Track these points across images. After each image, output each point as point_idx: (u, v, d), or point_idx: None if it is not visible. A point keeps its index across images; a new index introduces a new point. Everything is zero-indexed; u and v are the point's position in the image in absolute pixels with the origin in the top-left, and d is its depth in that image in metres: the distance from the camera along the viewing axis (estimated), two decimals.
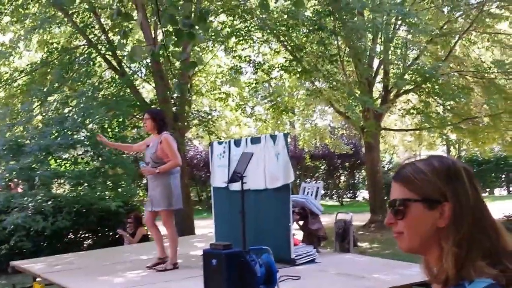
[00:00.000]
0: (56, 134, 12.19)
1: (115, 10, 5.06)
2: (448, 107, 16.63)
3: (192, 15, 5.37)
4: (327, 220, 10.56)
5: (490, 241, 1.42)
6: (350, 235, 8.22)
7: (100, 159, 12.52)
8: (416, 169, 1.51)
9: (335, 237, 8.43)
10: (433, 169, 1.48)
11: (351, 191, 30.34)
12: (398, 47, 16.07)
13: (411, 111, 17.19)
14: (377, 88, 17.45)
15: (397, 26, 15.60)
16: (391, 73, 16.47)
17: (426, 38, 15.41)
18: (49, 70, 15.01)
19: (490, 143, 18.82)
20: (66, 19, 14.68)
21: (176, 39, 5.28)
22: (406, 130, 20.64)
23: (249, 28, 15.89)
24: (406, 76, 15.57)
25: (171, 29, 5.53)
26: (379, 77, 16.67)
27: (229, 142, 8.29)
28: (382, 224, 15.52)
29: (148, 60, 14.52)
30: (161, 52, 7.58)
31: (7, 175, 12.00)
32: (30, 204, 11.24)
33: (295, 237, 7.53)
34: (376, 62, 16.43)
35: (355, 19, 14.28)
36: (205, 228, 14.05)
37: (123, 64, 14.80)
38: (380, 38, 15.37)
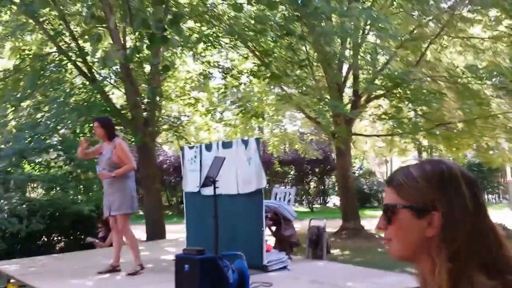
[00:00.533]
0: (29, 139, 12.34)
1: (89, 14, 5.00)
2: (420, 113, 16.61)
3: (165, 19, 5.33)
4: (297, 226, 10.53)
5: (489, 252, 1.33)
6: (323, 242, 8.20)
7: (72, 163, 12.55)
8: (407, 173, 1.43)
9: (308, 244, 8.41)
10: (423, 174, 1.40)
11: (321, 197, 30.37)
12: (368, 52, 16.09)
13: (383, 116, 17.19)
14: (347, 93, 17.47)
15: (366, 31, 15.59)
16: (361, 78, 16.49)
17: (396, 43, 15.40)
18: (21, 76, 14.92)
19: (465, 149, 18.62)
20: (37, 27, 14.59)
21: (149, 43, 5.21)
22: (378, 136, 20.62)
23: (217, 34, 15.84)
24: (377, 81, 15.58)
25: (144, 33, 5.46)
26: (349, 82, 16.67)
27: (200, 146, 8.25)
28: (354, 231, 15.51)
29: (118, 66, 14.50)
30: (133, 56, 7.52)
31: None
32: (6, 207, 11.43)
33: (267, 243, 7.49)
34: (346, 67, 16.45)
35: (323, 24, 14.26)
36: (175, 233, 13.97)
37: (93, 70, 14.77)
38: (349, 43, 15.39)
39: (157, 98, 14.91)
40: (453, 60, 17.54)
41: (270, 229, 8.34)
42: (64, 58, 14.74)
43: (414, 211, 1.37)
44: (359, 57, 15.39)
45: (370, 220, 19.60)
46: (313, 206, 28.72)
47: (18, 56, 15.68)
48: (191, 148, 8.55)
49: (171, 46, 11.77)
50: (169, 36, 5.13)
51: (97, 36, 5.87)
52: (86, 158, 8.58)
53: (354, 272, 7.26)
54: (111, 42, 14.04)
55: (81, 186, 13.05)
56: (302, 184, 28.65)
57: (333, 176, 29.52)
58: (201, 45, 16.18)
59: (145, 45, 5.59)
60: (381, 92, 16.00)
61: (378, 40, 16.02)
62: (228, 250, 6.24)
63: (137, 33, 5.44)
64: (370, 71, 15.83)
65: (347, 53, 15.71)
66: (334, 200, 29.84)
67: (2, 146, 12.54)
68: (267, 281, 6.14)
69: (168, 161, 27.13)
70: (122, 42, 13.87)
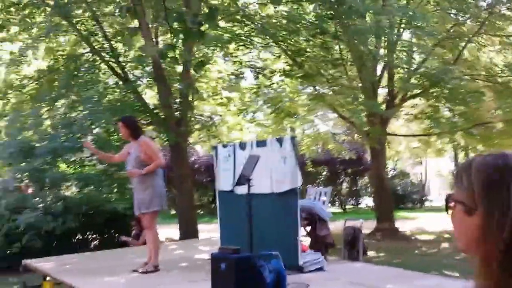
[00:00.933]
0: (64, 138, 12.56)
1: (124, 8, 4.93)
2: (458, 112, 16.26)
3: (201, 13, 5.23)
4: (331, 226, 10.39)
5: None
6: (359, 243, 8.04)
7: (105, 162, 12.55)
8: (466, 166, 1.29)
9: (344, 245, 8.26)
10: (478, 168, 1.25)
11: (354, 198, 30.10)
12: (403, 51, 15.81)
13: (419, 116, 16.87)
14: (382, 92, 17.22)
15: (402, 29, 15.34)
16: (396, 77, 16.23)
17: (432, 41, 15.10)
18: (56, 77, 15.09)
19: (505, 149, 18.18)
20: (70, 28, 14.73)
21: (184, 38, 5.11)
22: (414, 136, 20.31)
23: (249, 33, 15.76)
24: (413, 80, 15.31)
25: (178, 29, 5.36)
26: (384, 81, 16.43)
27: (234, 145, 8.16)
28: (388, 233, 15.26)
29: (151, 66, 14.64)
30: (168, 53, 7.45)
31: (19, 176, 12.46)
32: (40, 205, 11.62)
33: (302, 243, 7.34)
34: (380, 66, 16.20)
35: (357, 22, 14.07)
36: (207, 232, 13.97)
37: (126, 70, 14.86)
38: (385, 41, 15.15)
39: (191, 97, 14.92)
40: (492, 58, 17.07)
41: (305, 229, 8.21)
42: (98, 59, 14.88)
43: (463, 207, 1.24)
44: (394, 55, 15.12)
45: (404, 221, 19.35)
46: (346, 206, 28.50)
47: (52, 56, 15.87)
48: (224, 147, 8.45)
49: (206, 42, 11.73)
50: (205, 31, 5.02)
51: (133, 29, 5.82)
52: (118, 161, 8.54)
53: (392, 274, 7.08)
54: (144, 41, 14.10)
55: (115, 185, 13.15)
56: (334, 184, 28.41)
57: (365, 177, 29.30)
58: (232, 45, 16.13)
59: (180, 40, 5.50)
60: (418, 91, 15.71)
61: (414, 39, 15.77)
62: (262, 250, 6.12)
63: (171, 28, 5.34)
64: (406, 70, 15.54)
65: (382, 51, 15.47)
66: (366, 201, 29.61)
67: (38, 144, 12.67)
68: (304, 282, 6.01)
69: (199, 161, 27.22)
70: (155, 41, 13.91)
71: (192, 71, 14.06)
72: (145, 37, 13.52)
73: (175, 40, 5.82)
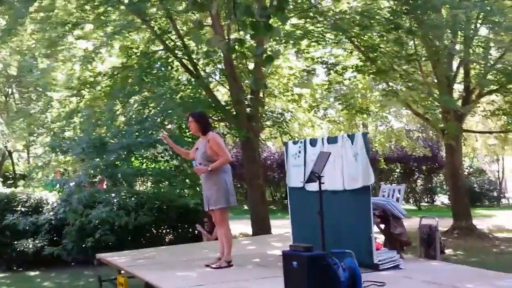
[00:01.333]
0: (137, 134, 12.71)
1: (190, 0, 4.89)
2: None
3: (269, 5, 5.15)
4: (406, 224, 10.16)
5: None
6: (436, 241, 7.81)
7: (178, 157, 12.68)
8: None
9: (420, 243, 8.05)
10: None
11: (429, 195, 29.43)
12: (480, 46, 15.32)
13: (496, 112, 16.33)
14: (458, 88, 16.74)
15: (479, 24, 14.85)
16: (472, 72, 15.74)
17: (510, 37, 14.57)
18: (129, 74, 15.39)
19: None
20: (144, 26, 14.98)
21: (252, 32, 5.03)
22: (491, 133, 19.69)
23: (322, 29, 15.61)
24: (490, 76, 14.82)
25: (247, 22, 5.29)
26: (459, 77, 15.96)
27: (305, 141, 8.05)
28: (466, 231, 14.85)
29: (222, 64, 14.69)
30: (237, 47, 7.41)
31: (92, 171, 12.60)
32: (114, 200, 11.85)
33: (376, 241, 7.17)
34: (456, 62, 15.75)
35: (433, 16, 13.71)
36: (279, 228, 13.96)
37: (198, 67, 14.99)
38: (461, 36, 14.71)
39: (261, 93, 14.91)
40: None
41: (378, 227, 8.03)
42: (171, 56, 15.07)
43: None
44: (470, 51, 14.65)
45: (481, 219, 18.76)
46: (421, 204, 27.94)
47: (126, 54, 16.20)
48: (295, 143, 8.37)
49: (275, 35, 11.66)
50: (274, 24, 4.94)
51: (198, 22, 5.83)
52: (189, 158, 8.56)
53: (471, 273, 6.83)
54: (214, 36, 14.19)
55: (188, 180, 13.21)
56: (408, 182, 27.91)
57: (441, 174, 28.66)
58: (304, 42, 16.03)
59: (248, 35, 5.44)
60: (495, 87, 15.19)
61: (491, 34, 15.22)
62: (334, 247, 6.01)
63: (239, 22, 5.27)
64: (482, 65, 15.03)
65: (458, 47, 15.01)
66: (442, 199, 28.96)
67: (111, 140, 12.91)
68: (380, 280, 5.85)
69: (271, 157, 27.29)
70: (226, 36, 13.95)
71: (262, 67, 14.04)
72: (216, 33, 13.56)
73: (243, 34, 5.76)
